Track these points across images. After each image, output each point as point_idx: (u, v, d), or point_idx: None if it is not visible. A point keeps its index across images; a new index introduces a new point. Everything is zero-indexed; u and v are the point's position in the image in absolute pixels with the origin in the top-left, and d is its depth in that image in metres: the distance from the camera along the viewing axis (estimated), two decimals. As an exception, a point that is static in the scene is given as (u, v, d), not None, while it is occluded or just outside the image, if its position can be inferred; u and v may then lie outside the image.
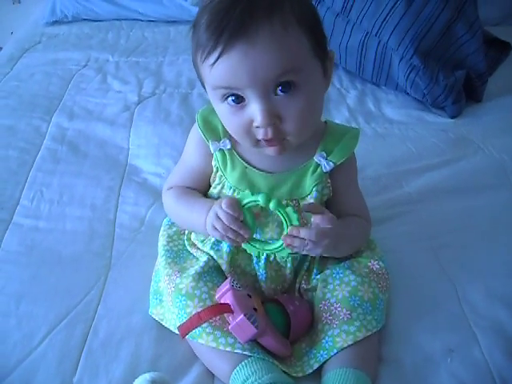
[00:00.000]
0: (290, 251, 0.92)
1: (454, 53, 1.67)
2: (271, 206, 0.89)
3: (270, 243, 0.95)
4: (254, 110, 0.86)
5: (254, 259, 1.02)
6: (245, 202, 0.92)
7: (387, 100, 1.75)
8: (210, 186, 1.06)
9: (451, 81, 1.63)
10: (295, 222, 0.90)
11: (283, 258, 0.99)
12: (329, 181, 1.00)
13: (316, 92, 0.89)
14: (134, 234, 1.22)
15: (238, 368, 0.88)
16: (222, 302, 0.92)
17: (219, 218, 0.92)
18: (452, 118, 1.65)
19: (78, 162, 1.46)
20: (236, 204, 0.92)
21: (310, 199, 0.99)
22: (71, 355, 0.96)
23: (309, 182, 0.99)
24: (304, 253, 0.94)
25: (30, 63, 2.02)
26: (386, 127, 1.62)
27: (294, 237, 0.91)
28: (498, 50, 1.91)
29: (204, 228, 0.97)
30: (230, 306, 0.90)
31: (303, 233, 0.90)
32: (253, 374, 0.86)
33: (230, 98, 0.87)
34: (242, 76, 0.83)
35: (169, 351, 0.96)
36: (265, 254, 1.00)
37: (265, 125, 0.86)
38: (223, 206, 0.91)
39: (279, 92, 0.85)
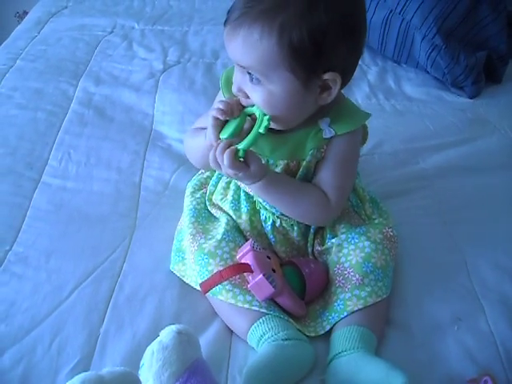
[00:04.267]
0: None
1: (477, 33, 1.68)
2: (257, 111, 0.94)
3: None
4: None
5: (263, 224, 1.07)
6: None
7: (407, 78, 1.77)
8: None
9: (472, 61, 1.64)
10: (261, 130, 0.92)
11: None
12: (324, 147, 1.02)
13: (282, 96, 0.92)
14: (158, 197, 1.27)
15: (255, 324, 0.93)
16: (242, 261, 0.97)
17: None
18: (471, 98, 1.67)
19: (105, 125, 1.50)
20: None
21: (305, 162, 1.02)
22: (98, 308, 1.01)
23: (308, 146, 1.01)
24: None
25: (57, 28, 2.05)
26: (405, 104, 1.64)
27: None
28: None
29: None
30: (250, 265, 0.95)
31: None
32: (269, 330, 0.92)
33: None
34: (228, 51, 0.94)
35: (190, 308, 1.02)
36: (271, 220, 1.05)
37: (236, 93, 0.96)
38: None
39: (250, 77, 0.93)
